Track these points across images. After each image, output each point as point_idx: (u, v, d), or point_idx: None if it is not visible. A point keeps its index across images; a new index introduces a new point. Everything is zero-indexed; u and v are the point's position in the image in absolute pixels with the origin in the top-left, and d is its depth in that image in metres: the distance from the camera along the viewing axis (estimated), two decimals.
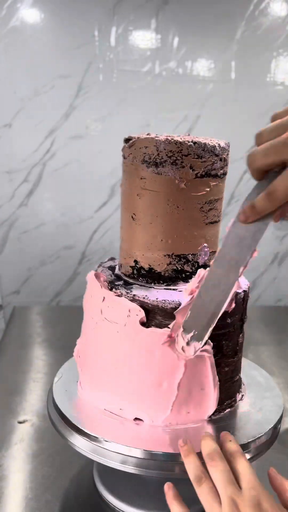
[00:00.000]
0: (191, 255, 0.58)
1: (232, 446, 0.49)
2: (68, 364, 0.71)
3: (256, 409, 0.62)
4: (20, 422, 0.84)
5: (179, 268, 0.58)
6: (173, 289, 0.58)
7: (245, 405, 0.63)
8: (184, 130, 1.49)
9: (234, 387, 0.62)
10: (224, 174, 0.58)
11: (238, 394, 0.63)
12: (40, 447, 0.78)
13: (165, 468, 0.52)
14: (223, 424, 0.58)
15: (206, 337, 0.51)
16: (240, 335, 0.61)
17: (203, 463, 0.47)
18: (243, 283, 0.63)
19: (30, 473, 0.72)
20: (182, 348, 0.52)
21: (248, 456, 0.54)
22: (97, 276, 0.60)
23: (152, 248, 0.58)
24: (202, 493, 0.44)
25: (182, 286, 0.58)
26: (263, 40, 1.46)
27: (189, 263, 0.58)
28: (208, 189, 0.56)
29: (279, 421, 0.60)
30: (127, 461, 0.52)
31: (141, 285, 0.59)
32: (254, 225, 0.44)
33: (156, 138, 0.55)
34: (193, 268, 0.59)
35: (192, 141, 0.54)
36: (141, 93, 1.45)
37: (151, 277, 0.59)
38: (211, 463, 0.46)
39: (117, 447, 0.53)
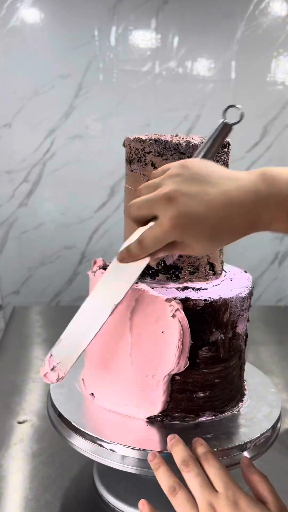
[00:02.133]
0: None
1: (202, 449, 0.48)
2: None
3: (255, 410, 0.62)
4: (19, 422, 0.84)
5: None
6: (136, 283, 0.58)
7: (245, 405, 0.63)
8: (184, 130, 1.49)
9: (238, 388, 0.62)
10: None
11: (239, 394, 0.64)
12: (40, 447, 0.78)
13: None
14: (219, 427, 0.58)
15: (69, 368, 0.49)
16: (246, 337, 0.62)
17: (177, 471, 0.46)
18: (246, 279, 0.62)
19: (30, 473, 0.72)
20: (46, 374, 0.50)
21: (248, 455, 0.54)
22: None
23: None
24: (177, 503, 0.44)
25: (148, 281, 0.59)
26: (263, 40, 1.46)
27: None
28: None
29: (278, 421, 0.60)
30: (126, 461, 0.52)
31: None
32: (131, 264, 0.48)
33: (130, 138, 0.58)
34: (159, 267, 0.59)
35: (153, 139, 0.55)
36: (141, 93, 1.45)
37: None
38: (185, 469, 0.45)
39: (117, 447, 0.53)
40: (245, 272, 0.66)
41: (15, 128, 1.43)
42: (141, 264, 0.47)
